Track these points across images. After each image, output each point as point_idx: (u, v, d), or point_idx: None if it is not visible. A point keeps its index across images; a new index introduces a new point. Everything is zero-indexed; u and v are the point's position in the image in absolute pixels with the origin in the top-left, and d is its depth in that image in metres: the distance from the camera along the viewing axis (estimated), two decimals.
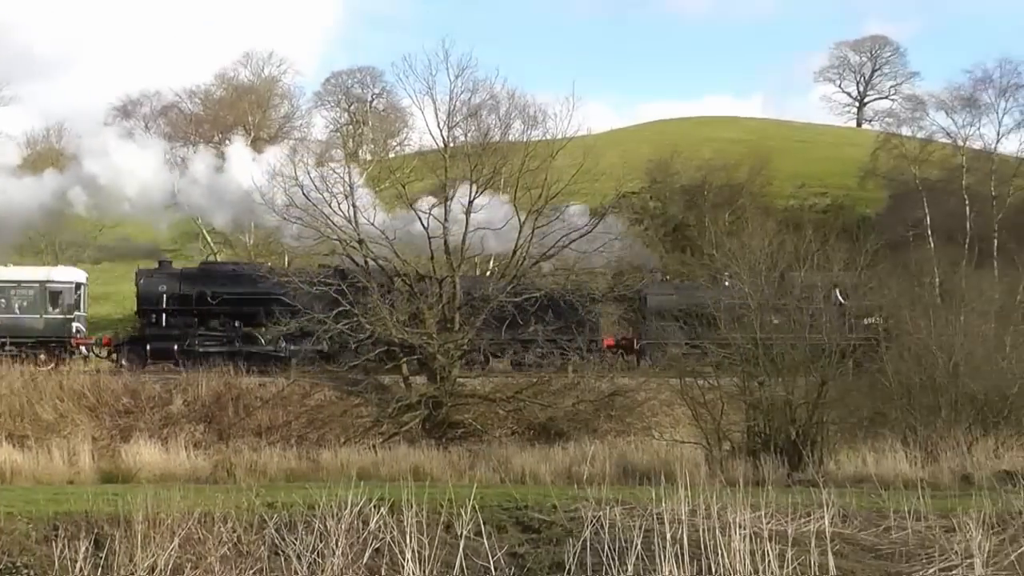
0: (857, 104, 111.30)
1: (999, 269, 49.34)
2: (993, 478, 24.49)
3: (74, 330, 46.88)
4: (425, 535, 17.40)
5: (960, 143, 72.47)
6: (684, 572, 16.30)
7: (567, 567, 17.19)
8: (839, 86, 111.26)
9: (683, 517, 17.66)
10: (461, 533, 17.83)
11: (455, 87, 42.33)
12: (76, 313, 47.44)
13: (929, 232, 66.47)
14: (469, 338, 39.98)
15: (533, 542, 18.75)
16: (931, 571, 17.24)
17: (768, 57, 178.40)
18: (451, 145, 42.67)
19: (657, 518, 17.75)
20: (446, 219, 40.60)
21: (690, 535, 17.09)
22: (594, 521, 17.97)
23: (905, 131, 77.22)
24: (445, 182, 41.40)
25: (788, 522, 18.25)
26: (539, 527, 19.16)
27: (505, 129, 46.20)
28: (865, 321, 37.79)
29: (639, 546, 16.73)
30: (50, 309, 46.75)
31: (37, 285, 47.16)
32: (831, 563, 17.11)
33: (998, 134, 73.62)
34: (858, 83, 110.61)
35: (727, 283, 35.84)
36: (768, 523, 17.84)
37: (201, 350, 44.32)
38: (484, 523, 18.20)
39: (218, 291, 46.10)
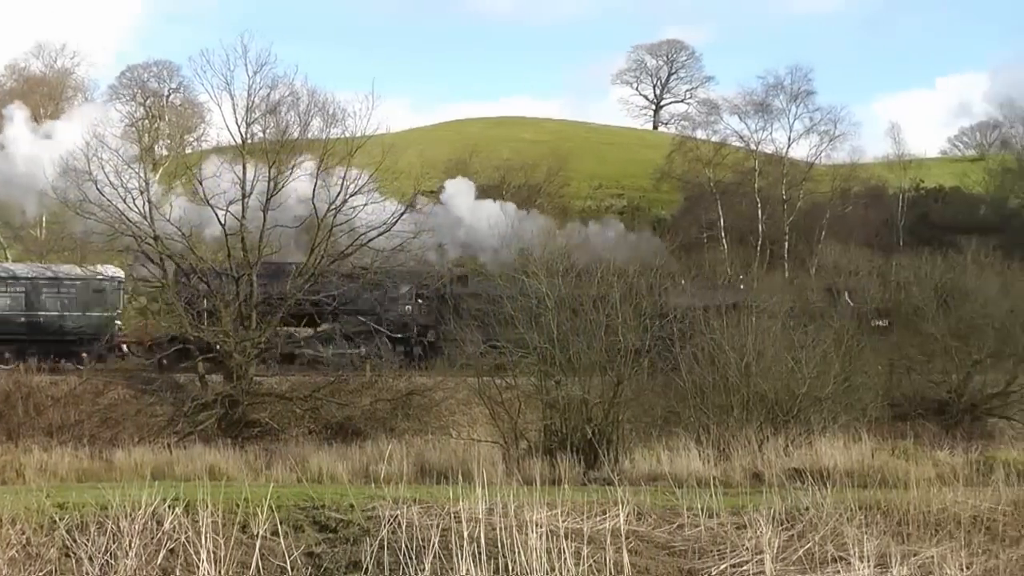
0: (654, 107, 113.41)
1: (789, 271, 50.78)
2: (783, 475, 24.98)
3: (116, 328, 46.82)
4: (221, 535, 16.93)
5: (753, 147, 74.44)
6: (481, 571, 16.17)
7: (364, 567, 16.94)
8: (636, 89, 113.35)
9: (480, 516, 17.54)
10: (257, 533, 17.42)
11: (254, 83, 41.93)
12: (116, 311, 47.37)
13: (723, 234, 68.05)
14: (266, 336, 39.45)
15: (330, 541, 18.41)
16: (723, 567, 17.44)
17: (568, 59, 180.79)
18: (249, 142, 42.12)
19: (454, 517, 17.61)
20: (243, 216, 39.95)
21: (487, 534, 16.99)
22: (391, 520, 17.74)
23: (700, 134, 79.10)
24: (243, 178, 40.70)
25: (584, 520, 18.30)
26: (336, 526, 18.83)
27: (304, 126, 45.76)
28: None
29: (436, 545, 16.56)
30: (94, 307, 46.60)
31: (81, 283, 46.81)
32: (626, 560, 17.20)
33: (789, 139, 75.96)
34: (655, 86, 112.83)
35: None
36: (564, 521, 17.86)
37: None
38: (281, 523, 17.80)
39: None
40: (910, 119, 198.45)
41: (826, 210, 70.88)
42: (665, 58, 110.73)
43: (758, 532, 18.03)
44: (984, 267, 47.04)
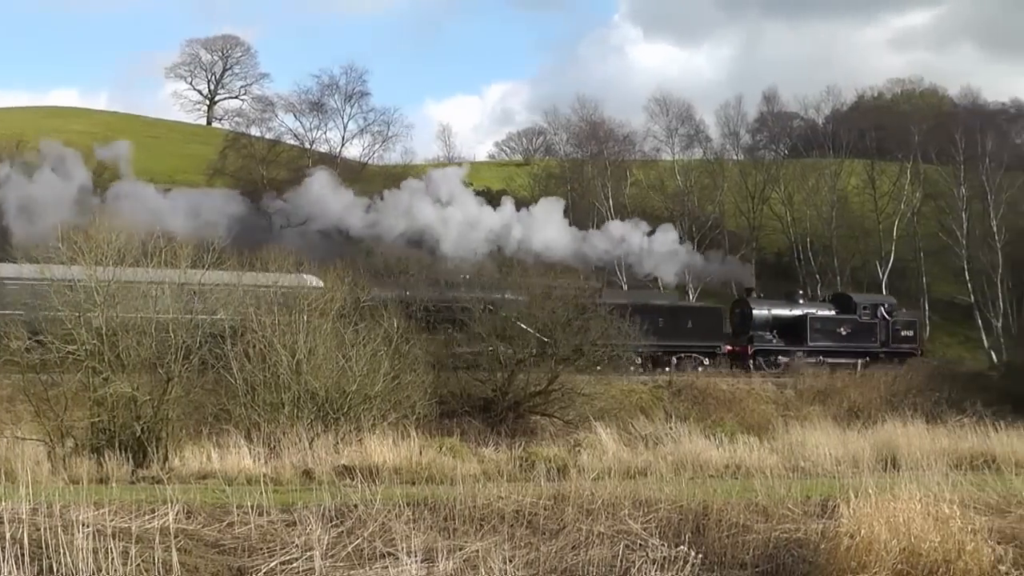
0: (208, 102, 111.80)
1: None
2: (333, 473, 25.32)
3: None
4: None
5: (307, 145, 74.89)
6: (24, 573, 15.52)
7: None
8: (191, 83, 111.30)
9: (24, 516, 16.85)
10: None
11: None
12: None
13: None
14: None
15: None
16: (273, 564, 17.43)
17: (120, 52, 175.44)
18: None
19: None
20: None
21: (31, 535, 16.32)
22: None
23: (254, 131, 78.82)
24: None
25: (132, 519, 17.88)
26: None
27: None
28: None
29: None
30: None
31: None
32: (175, 559, 16.91)
33: (343, 138, 76.94)
34: (209, 81, 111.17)
35: None
36: (112, 520, 17.38)
37: None
38: None
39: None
40: (460, 123, 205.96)
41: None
42: (220, 53, 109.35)
43: (308, 529, 18.15)
44: (526, 268, 49.25)
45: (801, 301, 63.75)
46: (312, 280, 46.94)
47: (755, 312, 61.07)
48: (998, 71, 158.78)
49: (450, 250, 58.63)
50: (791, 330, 60.56)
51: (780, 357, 59.15)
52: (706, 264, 70.97)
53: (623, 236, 66.21)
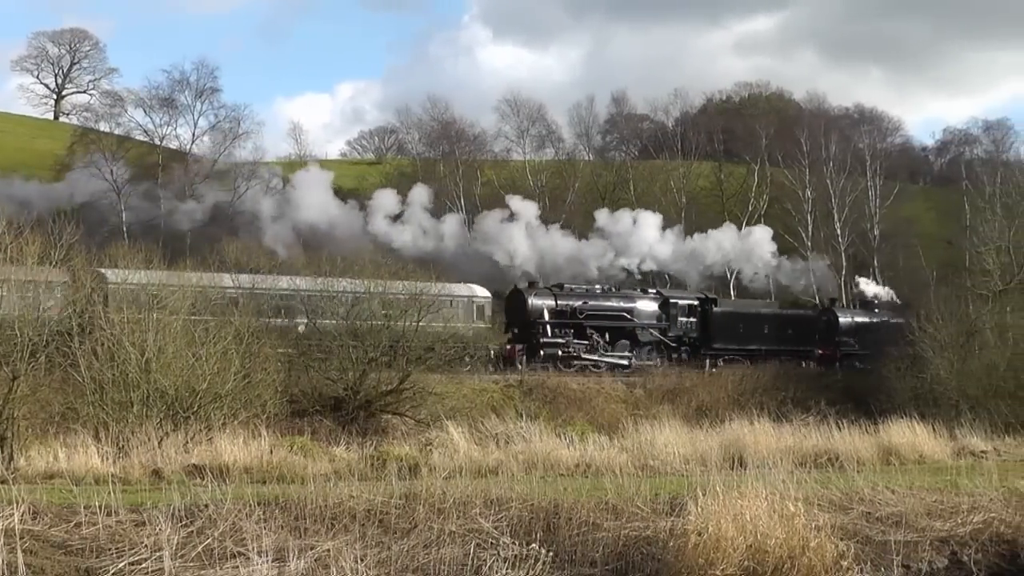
0: (55, 96, 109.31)
1: (191, 267, 50.69)
2: (183, 472, 25.13)
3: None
4: None
5: (157, 142, 73.82)
6: None
7: None
8: (37, 77, 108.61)
9: None
10: None
11: None
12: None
13: (124, 228, 67.25)
14: None
15: None
16: (121, 565, 17.32)
17: None
18: None
19: None
20: None
21: None
22: None
23: (103, 126, 77.41)
24: None
25: None
26: None
27: None
28: None
29: None
30: (475, 320, 54.36)
31: (466, 299, 54.68)
32: (20, 561, 16.72)
33: (193, 135, 75.91)
34: (56, 75, 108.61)
35: None
36: None
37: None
38: None
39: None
40: (310, 121, 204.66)
41: (229, 207, 71.93)
42: (68, 47, 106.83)
43: (157, 529, 18.06)
44: (379, 266, 49.12)
45: (876, 310, 68.01)
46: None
47: (840, 320, 65.59)
48: (838, 78, 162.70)
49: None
50: (869, 335, 63.84)
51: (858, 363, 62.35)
52: (792, 269, 75.53)
53: (722, 242, 71.55)
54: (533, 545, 18.55)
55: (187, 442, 29.00)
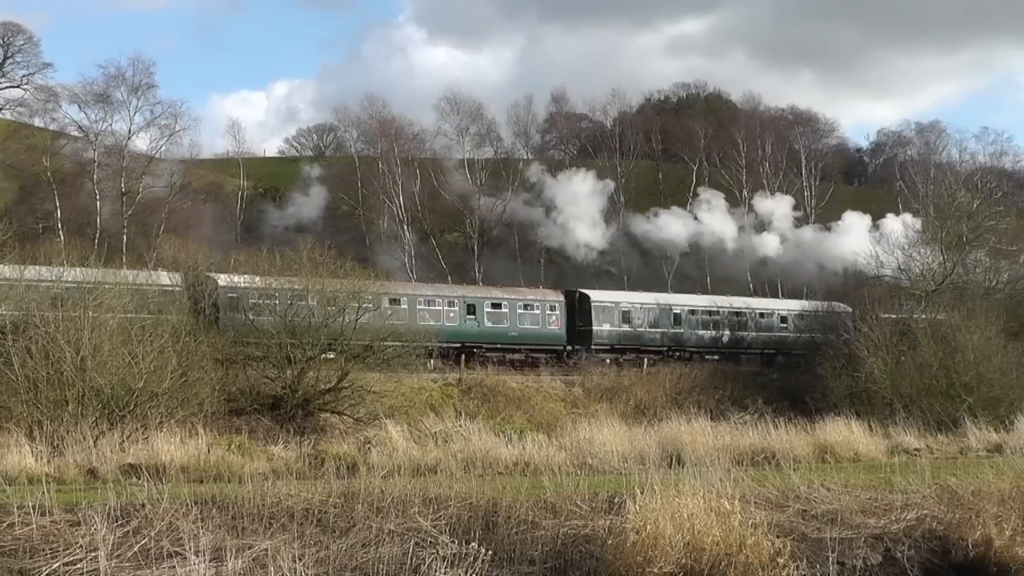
0: None
1: (127, 264, 50.27)
2: (118, 471, 24.91)
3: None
4: None
5: (92, 138, 73.01)
6: None
7: None
8: None
9: None
10: None
11: None
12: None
13: (59, 225, 66.44)
14: None
15: None
16: (56, 565, 17.12)
17: None
18: None
19: None
20: None
21: None
22: None
23: (37, 122, 76.52)
24: None
25: None
26: None
27: None
28: None
29: None
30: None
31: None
32: None
33: (129, 131, 75.06)
34: None
35: None
36: None
37: None
38: None
39: None
40: (245, 118, 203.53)
41: (165, 204, 71.33)
42: (1, 41, 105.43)
43: (92, 529, 17.85)
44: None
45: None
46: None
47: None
48: (770, 79, 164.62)
49: None
50: None
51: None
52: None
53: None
54: (472, 544, 18.52)
55: (123, 441, 28.78)
